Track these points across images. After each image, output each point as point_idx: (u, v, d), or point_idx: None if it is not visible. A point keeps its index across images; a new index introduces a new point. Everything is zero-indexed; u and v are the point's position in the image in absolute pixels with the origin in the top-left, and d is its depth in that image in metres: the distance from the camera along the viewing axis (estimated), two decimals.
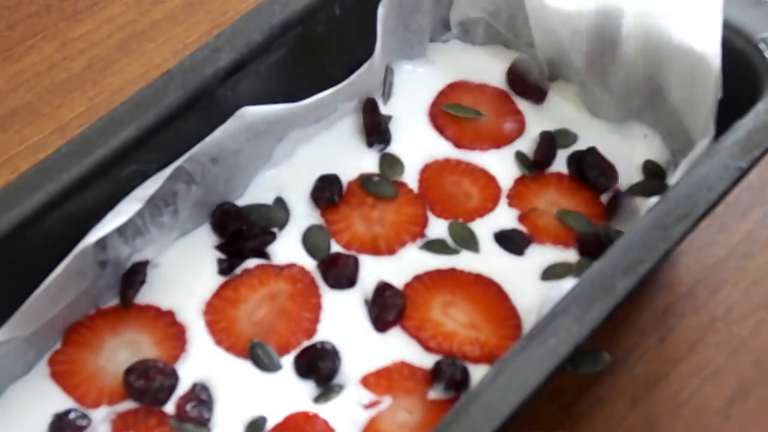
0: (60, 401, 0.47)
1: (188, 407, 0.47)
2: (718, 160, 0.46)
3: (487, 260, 0.52)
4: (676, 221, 0.45)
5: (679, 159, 0.51)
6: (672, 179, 0.48)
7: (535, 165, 0.55)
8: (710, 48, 0.49)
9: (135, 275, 0.50)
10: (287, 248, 0.52)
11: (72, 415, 0.46)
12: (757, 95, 0.49)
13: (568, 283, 0.43)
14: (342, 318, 0.50)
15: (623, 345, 0.53)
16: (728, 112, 0.49)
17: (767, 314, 0.54)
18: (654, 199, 0.47)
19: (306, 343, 0.49)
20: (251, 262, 0.51)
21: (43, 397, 0.47)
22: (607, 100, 0.56)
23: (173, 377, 0.47)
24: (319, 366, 0.48)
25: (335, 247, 0.52)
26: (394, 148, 0.56)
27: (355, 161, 0.55)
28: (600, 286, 0.43)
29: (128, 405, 0.47)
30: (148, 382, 0.47)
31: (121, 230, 0.48)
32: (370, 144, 0.55)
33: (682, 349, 0.53)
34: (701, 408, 0.51)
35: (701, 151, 0.48)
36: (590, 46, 0.54)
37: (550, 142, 0.55)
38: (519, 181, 0.55)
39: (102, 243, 0.48)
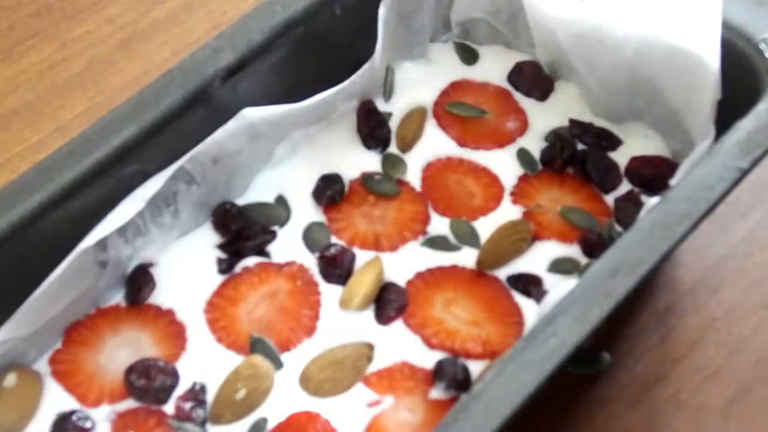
0: (61, 401, 0.47)
1: (187, 407, 0.47)
2: (718, 160, 0.46)
3: None
4: (676, 221, 0.45)
5: (680, 159, 0.51)
6: (673, 179, 0.48)
7: (547, 163, 0.55)
8: (709, 50, 0.49)
9: (144, 275, 0.50)
10: (288, 246, 0.52)
11: (75, 417, 0.46)
12: (758, 95, 0.49)
13: (569, 284, 0.43)
14: (343, 316, 0.50)
15: (623, 345, 0.53)
16: (729, 113, 0.49)
17: (767, 314, 0.54)
18: (655, 199, 0.47)
19: (306, 341, 0.49)
20: (251, 261, 0.51)
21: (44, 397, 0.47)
22: (608, 101, 0.56)
23: (174, 376, 0.47)
24: None
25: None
26: (395, 148, 0.56)
27: (357, 160, 0.55)
28: (600, 287, 0.43)
29: (128, 404, 0.47)
30: (149, 382, 0.47)
31: (121, 230, 0.48)
32: (368, 147, 0.56)
33: (682, 349, 0.53)
34: (701, 408, 0.51)
35: (702, 152, 0.48)
36: (589, 49, 0.54)
37: (565, 143, 0.55)
38: (523, 179, 0.55)
39: (102, 243, 0.48)
